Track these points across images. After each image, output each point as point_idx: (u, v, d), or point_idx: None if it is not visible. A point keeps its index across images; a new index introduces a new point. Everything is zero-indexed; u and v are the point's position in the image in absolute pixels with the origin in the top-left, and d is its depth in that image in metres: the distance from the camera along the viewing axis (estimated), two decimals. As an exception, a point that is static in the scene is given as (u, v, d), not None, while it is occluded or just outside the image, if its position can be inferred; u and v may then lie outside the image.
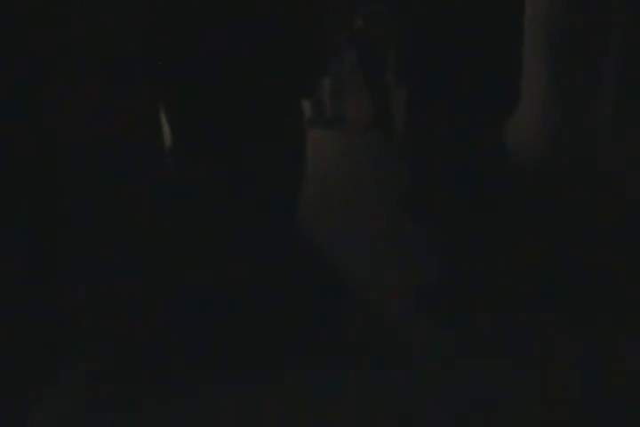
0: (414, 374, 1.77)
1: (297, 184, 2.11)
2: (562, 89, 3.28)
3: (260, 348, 1.90)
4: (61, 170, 1.82)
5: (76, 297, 1.89)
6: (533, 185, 3.06)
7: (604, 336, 1.90)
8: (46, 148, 1.78)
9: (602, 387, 1.69)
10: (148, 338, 1.93)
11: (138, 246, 1.95)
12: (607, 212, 2.69)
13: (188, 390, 1.72)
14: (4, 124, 1.66)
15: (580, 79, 3.10)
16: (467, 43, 2.08)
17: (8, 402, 1.67)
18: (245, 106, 1.93)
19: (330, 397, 1.69)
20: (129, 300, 1.95)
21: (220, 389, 1.72)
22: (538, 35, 3.24)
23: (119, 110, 1.87)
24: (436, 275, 2.21)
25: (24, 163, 1.73)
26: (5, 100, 1.66)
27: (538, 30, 3.23)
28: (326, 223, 2.70)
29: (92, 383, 1.78)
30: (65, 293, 1.87)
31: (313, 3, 2.00)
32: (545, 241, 2.49)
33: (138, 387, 1.74)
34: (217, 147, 1.97)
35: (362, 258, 2.43)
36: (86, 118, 1.80)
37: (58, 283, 1.86)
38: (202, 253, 2.05)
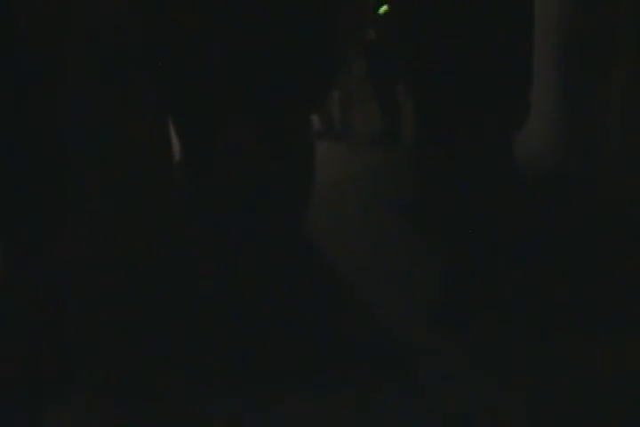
0: (418, 382, 1.76)
1: (306, 197, 2.11)
2: (572, 99, 3.27)
3: (259, 351, 1.88)
4: (70, 183, 1.82)
5: (74, 300, 1.88)
6: (542, 195, 3.04)
7: (606, 344, 1.89)
8: (55, 161, 1.79)
9: (604, 394, 1.68)
10: (143, 342, 1.91)
11: (144, 254, 1.95)
12: (618, 222, 2.68)
13: (187, 395, 1.70)
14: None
15: (590, 89, 3.09)
16: (476, 54, 2.08)
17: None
18: (254, 119, 1.94)
19: (329, 402, 1.68)
20: (127, 302, 1.94)
21: (221, 393, 1.71)
22: (548, 44, 3.24)
23: (128, 124, 1.88)
24: (441, 285, 2.19)
25: (33, 176, 1.74)
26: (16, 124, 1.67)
27: (548, 40, 3.23)
28: (334, 234, 2.69)
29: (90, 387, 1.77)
30: (63, 295, 1.86)
31: (324, 16, 2.01)
32: (553, 251, 2.48)
33: (132, 393, 1.73)
34: (226, 160, 1.97)
35: (368, 268, 2.42)
36: (94, 132, 1.81)
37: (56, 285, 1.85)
38: (209, 263, 2.05)
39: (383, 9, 4.14)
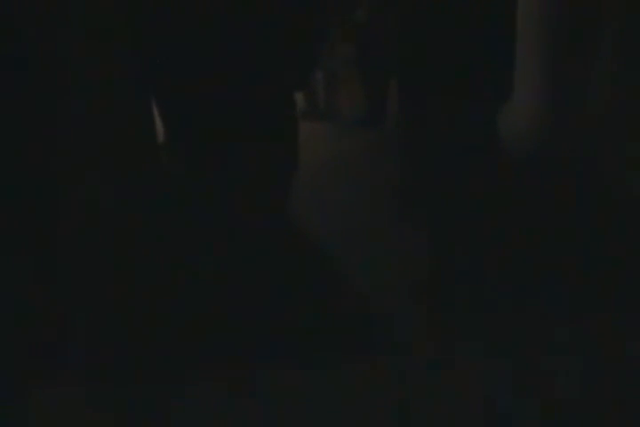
0: (411, 367, 1.77)
1: (289, 177, 2.10)
2: (556, 80, 3.28)
3: (253, 341, 1.90)
4: (52, 165, 1.81)
5: (70, 294, 1.88)
6: (528, 177, 3.05)
7: (600, 328, 1.91)
8: (38, 144, 1.77)
9: (600, 379, 1.70)
10: (135, 335, 1.92)
11: (130, 242, 1.94)
12: (605, 206, 2.69)
13: (178, 389, 1.71)
14: None
15: (574, 69, 3.09)
16: (458, 30, 2.08)
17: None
18: (238, 98, 1.92)
19: (325, 389, 1.69)
20: (121, 296, 1.94)
21: (214, 382, 1.72)
22: (531, 24, 3.23)
23: (109, 105, 1.86)
24: (432, 267, 2.21)
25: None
26: None
27: (531, 20, 3.22)
28: (320, 216, 2.69)
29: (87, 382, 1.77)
30: (60, 290, 1.86)
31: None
32: (540, 234, 2.49)
33: (130, 386, 1.74)
34: (209, 140, 1.96)
35: (356, 250, 2.43)
36: (76, 112, 1.79)
37: (52, 279, 1.85)
38: (193, 248, 2.04)
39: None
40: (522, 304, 2.04)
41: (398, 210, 2.72)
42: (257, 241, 2.04)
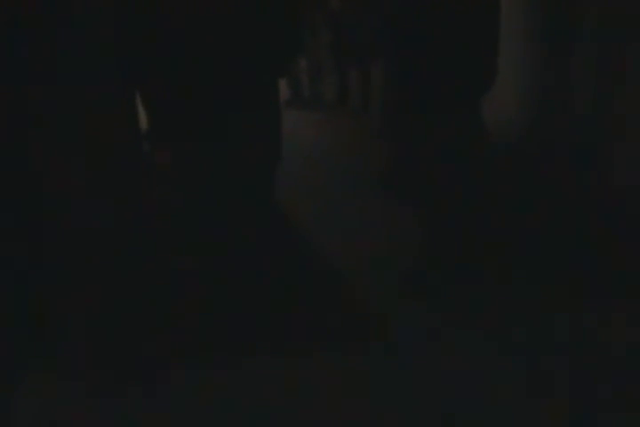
0: (399, 356, 1.78)
1: (273, 164, 2.09)
2: (541, 68, 3.28)
3: (242, 333, 1.89)
4: (36, 155, 1.79)
5: (61, 285, 1.87)
6: (513, 163, 3.07)
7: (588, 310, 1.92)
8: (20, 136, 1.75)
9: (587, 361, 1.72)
10: (130, 324, 1.92)
11: (116, 230, 1.93)
12: (590, 189, 2.71)
13: (173, 377, 1.71)
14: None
15: (559, 56, 3.10)
16: (444, 17, 2.07)
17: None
18: (221, 85, 1.91)
19: (315, 380, 1.69)
20: (112, 286, 1.93)
21: (205, 374, 1.72)
22: (516, 11, 3.24)
23: (93, 95, 1.84)
24: (419, 255, 2.21)
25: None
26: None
27: (516, 6, 3.22)
28: (306, 202, 2.69)
29: (77, 370, 1.77)
30: (50, 281, 1.85)
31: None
32: (526, 219, 2.50)
33: (125, 373, 1.74)
34: (192, 128, 1.95)
35: (343, 237, 2.43)
36: (60, 102, 1.77)
37: (41, 270, 1.84)
38: (180, 236, 2.03)
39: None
40: (511, 290, 2.05)
41: (386, 195, 2.70)
42: (243, 229, 2.03)
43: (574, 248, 2.29)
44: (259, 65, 1.97)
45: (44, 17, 1.70)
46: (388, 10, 2.26)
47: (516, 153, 3.18)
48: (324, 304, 2.03)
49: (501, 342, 1.81)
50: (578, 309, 1.92)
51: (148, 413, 1.60)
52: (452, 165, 2.22)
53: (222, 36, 1.88)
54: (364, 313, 2.00)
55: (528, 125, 3.39)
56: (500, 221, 2.44)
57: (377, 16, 2.56)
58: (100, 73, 1.85)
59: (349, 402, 1.60)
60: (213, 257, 2.01)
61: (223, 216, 2.03)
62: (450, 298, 2.04)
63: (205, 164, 1.98)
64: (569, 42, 2.96)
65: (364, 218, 2.64)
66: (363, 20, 4.28)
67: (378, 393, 1.63)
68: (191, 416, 1.58)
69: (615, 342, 1.76)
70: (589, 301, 1.96)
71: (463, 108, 2.25)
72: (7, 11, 1.66)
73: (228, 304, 1.97)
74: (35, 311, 1.82)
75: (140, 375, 1.73)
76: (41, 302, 1.83)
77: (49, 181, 1.81)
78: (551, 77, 3.17)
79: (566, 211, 2.59)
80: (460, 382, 1.64)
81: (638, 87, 2.46)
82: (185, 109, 1.93)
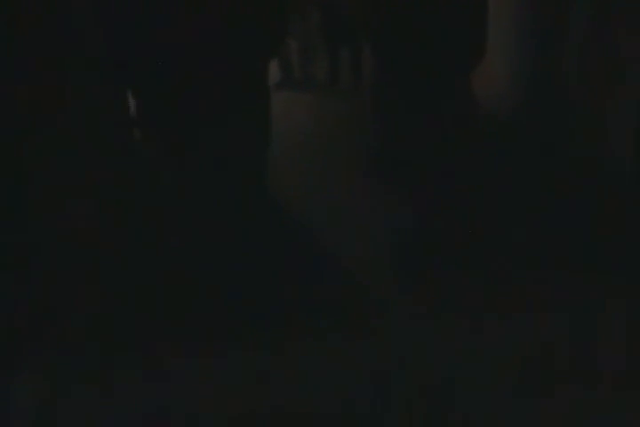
0: (391, 332, 1.78)
1: (265, 145, 2.09)
2: (530, 40, 3.27)
3: (235, 314, 1.90)
4: (25, 145, 1.79)
5: (47, 273, 1.87)
6: (503, 135, 3.06)
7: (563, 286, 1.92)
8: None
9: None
10: (115, 309, 1.91)
11: (106, 216, 1.94)
12: (580, 160, 2.71)
13: (160, 362, 1.71)
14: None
15: (547, 30, 3.08)
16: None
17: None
18: (209, 68, 1.90)
19: (308, 357, 1.70)
20: (101, 273, 1.94)
21: (197, 356, 1.72)
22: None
23: (83, 86, 1.84)
24: (409, 233, 2.21)
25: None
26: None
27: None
28: (298, 184, 2.68)
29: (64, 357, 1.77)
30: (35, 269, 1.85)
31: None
32: (514, 193, 2.49)
33: (111, 359, 1.74)
34: (182, 112, 1.95)
35: (335, 217, 2.42)
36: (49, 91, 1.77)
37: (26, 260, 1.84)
38: (173, 221, 2.04)
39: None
40: (497, 267, 2.05)
41: (376, 175, 2.69)
42: (236, 214, 2.04)
43: (571, 228, 2.27)
44: (245, 49, 1.96)
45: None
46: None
47: (505, 126, 3.18)
48: (321, 291, 2.03)
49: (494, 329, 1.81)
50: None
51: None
52: (443, 137, 2.22)
53: (207, 21, 1.88)
54: (362, 299, 2.00)
55: (518, 100, 3.39)
56: (489, 193, 2.41)
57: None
58: (88, 63, 1.84)
59: (343, 385, 1.60)
60: (206, 243, 2.01)
61: (215, 201, 2.03)
62: (443, 284, 2.02)
63: (194, 149, 1.98)
64: (557, 23, 2.94)
65: (356, 196, 2.63)
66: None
67: (373, 377, 1.63)
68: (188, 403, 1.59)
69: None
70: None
71: (452, 84, 2.24)
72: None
73: (224, 292, 1.98)
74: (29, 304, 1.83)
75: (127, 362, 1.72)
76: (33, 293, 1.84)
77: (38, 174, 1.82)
78: (540, 53, 3.16)
79: (559, 180, 2.57)
80: (453, 367, 1.64)
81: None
82: (171, 95, 1.93)
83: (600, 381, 1.53)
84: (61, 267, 1.88)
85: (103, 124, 1.92)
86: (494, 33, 2.30)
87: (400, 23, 2.16)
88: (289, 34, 3.38)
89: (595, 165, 2.61)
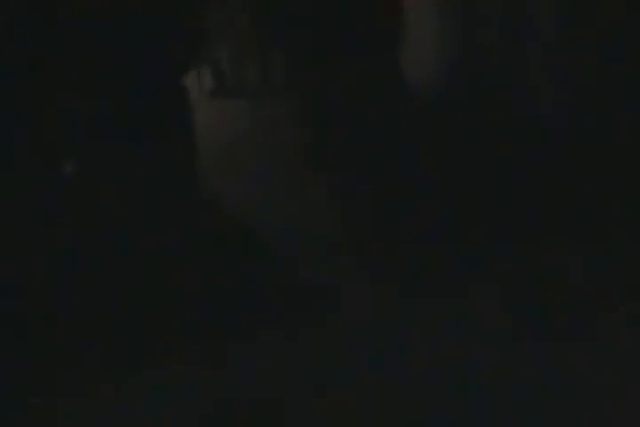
0: (345, 320, 1.78)
1: (191, 158, 2.07)
2: (458, 21, 3.27)
3: (184, 313, 1.87)
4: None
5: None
6: (437, 116, 3.05)
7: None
8: None
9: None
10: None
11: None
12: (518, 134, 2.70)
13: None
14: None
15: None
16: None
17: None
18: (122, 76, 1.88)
19: (264, 349, 1.68)
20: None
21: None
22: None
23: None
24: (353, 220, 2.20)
25: None
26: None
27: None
28: (235, 189, 2.66)
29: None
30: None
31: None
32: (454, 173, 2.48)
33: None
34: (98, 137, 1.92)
35: (274, 219, 2.39)
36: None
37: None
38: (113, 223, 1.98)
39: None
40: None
41: (311, 169, 2.66)
42: (171, 220, 2.00)
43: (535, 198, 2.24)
44: (158, 63, 1.94)
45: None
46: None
47: (436, 107, 3.18)
48: (272, 282, 2.01)
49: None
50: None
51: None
52: (374, 122, 2.20)
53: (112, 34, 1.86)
54: (314, 286, 1.99)
55: (448, 80, 3.39)
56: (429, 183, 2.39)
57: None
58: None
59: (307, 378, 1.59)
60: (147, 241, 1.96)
61: (153, 215, 2.00)
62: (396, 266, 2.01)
63: (123, 164, 1.95)
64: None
65: (297, 198, 2.60)
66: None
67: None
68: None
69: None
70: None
71: (376, 64, 2.23)
72: None
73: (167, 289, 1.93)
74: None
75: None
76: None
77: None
78: (467, 26, 3.16)
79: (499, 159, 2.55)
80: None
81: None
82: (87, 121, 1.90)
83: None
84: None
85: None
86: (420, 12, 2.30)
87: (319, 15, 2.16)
88: (217, 41, 3.37)
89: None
